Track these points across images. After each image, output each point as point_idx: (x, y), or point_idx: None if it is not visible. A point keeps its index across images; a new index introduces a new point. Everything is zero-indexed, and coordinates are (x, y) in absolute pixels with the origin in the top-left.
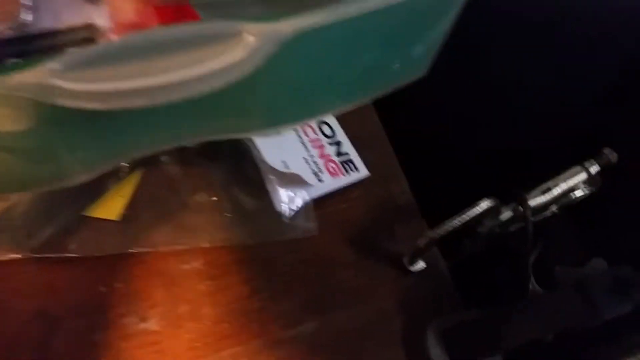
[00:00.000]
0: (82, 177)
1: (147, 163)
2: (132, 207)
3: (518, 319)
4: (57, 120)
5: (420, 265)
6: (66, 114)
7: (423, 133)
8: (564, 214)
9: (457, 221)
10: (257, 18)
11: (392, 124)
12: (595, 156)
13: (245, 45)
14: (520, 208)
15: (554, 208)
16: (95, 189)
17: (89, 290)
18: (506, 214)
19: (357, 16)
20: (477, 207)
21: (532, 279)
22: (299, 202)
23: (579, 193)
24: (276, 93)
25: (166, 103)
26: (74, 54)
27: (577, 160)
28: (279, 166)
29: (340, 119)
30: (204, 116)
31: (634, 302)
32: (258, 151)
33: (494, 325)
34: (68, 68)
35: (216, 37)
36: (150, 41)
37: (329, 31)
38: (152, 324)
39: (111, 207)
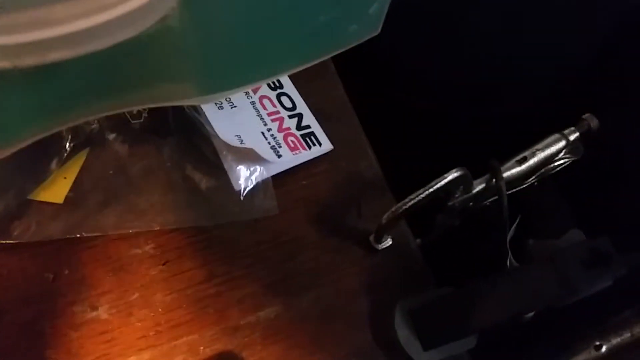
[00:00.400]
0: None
1: (93, 142)
2: (78, 190)
3: (489, 296)
4: None
5: (388, 242)
6: None
7: (392, 103)
8: (544, 184)
9: (423, 193)
10: None
11: (359, 95)
12: (575, 123)
13: None
14: (494, 180)
15: (533, 179)
16: (38, 171)
17: (35, 278)
18: (479, 187)
19: None
20: (445, 178)
21: (510, 255)
22: (256, 180)
23: (559, 162)
24: (205, 47)
25: (62, 60)
26: None
27: (556, 128)
28: (233, 141)
29: (303, 90)
30: (122, 75)
31: (613, 277)
32: (210, 126)
33: (464, 303)
34: None
35: None
36: None
37: None
38: (102, 312)
39: (55, 189)
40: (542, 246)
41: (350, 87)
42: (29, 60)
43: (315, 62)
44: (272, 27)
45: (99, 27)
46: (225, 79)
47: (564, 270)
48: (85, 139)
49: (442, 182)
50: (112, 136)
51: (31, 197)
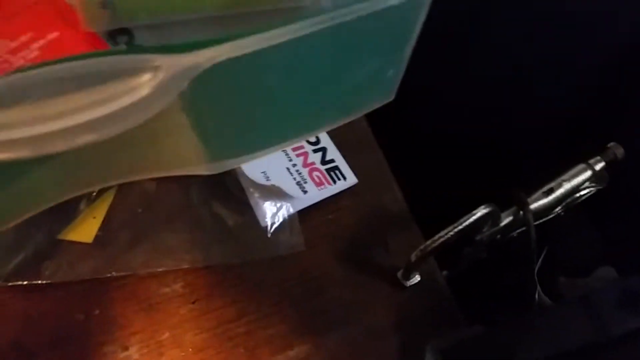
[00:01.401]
0: None
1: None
2: (107, 229)
3: (522, 337)
4: None
5: (416, 278)
6: None
7: (415, 136)
8: (570, 215)
9: (452, 231)
10: (177, 46)
11: (382, 128)
12: (600, 152)
13: (149, 82)
14: (521, 212)
15: (559, 209)
16: (67, 211)
17: (66, 319)
18: (506, 220)
19: (286, 42)
20: (473, 215)
21: (539, 289)
22: (282, 216)
23: (584, 191)
24: (207, 125)
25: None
26: None
27: (581, 157)
28: (259, 178)
29: None
30: (128, 155)
31: None
32: None
33: (496, 344)
34: None
35: (114, 74)
36: (37, 80)
37: (256, 59)
38: (133, 353)
39: (84, 229)
40: (573, 284)
41: (372, 118)
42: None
43: (329, 128)
44: (283, 108)
45: (96, 121)
46: (229, 151)
47: (596, 311)
48: None
49: (471, 220)
50: None
51: (61, 237)
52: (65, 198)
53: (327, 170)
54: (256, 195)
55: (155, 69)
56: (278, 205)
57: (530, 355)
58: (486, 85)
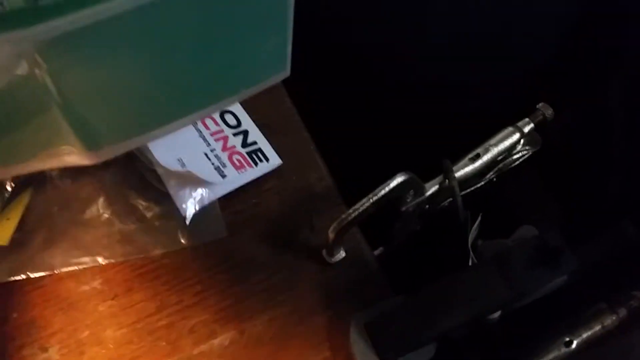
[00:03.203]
0: None
1: (35, 181)
2: (23, 230)
3: (441, 302)
4: None
5: (341, 255)
6: None
7: (342, 113)
8: (503, 179)
9: (367, 202)
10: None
11: (307, 107)
12: (529, 114)
13: None
14: (447, 180)
15: (491, 174)
16: None
17: None
18: (432, 189)
19: (132, 10)
20: (389, 185)
21: (472, 257)
22: (202, 203)
23: (517, 155)
24: (74, 107)
25: None
26: None
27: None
28: (174, 166)
29: (248, 106)
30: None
31: (565, 272)
32: (149, 152)
33: (417, 311)
34: None
35: None
36: None
37: (101, 31)
38: (52, 354)
39: None
40: (490, 245)
41: (296, 97)
42: None
43: (220, 107)
44: (154, 84)
45: None
46: (110, 137)
47: (509, 271)
48: (26, 178)
49: (386, 189)
50: (53, 173)
51: None
52: None
53: (248, 153)
54: (172, 183)
55: None
56: (196, 192)
57: (449, 317)
58: (414, 55)
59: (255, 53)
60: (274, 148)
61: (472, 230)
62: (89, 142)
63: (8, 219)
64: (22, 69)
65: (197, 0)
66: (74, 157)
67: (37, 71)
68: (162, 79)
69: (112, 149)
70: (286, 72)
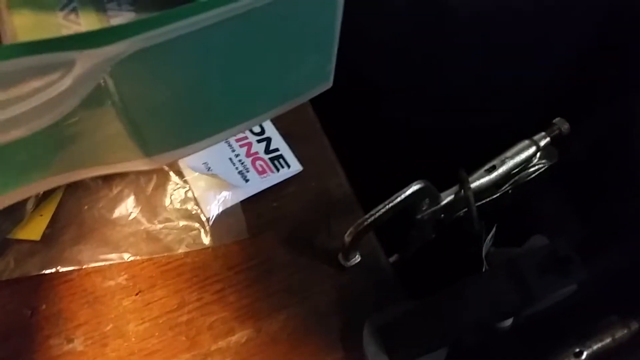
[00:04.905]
0: None
1: None
2: (54, 226)
3: (451, 308)
4: None
5: (356, 259)
6: None
7: (362, 119)
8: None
9: (383, 208)
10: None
11: (328, 113)
12: (546, 128)
13: (65, 77)
14: (462, 190)
15: (507, 186)
16: (15, 212)
17: (14, 314)
18: (447, 198)
19: (198, 30)
20: (405, 192)
21: (486, 266)
22: (225, 205)
23: (534, 168)
24: (135, 116)
25: None
26: None
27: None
28: (201, 169)
29: None
30: (64, 152)
31: (574, 281)
32: None
33: (428, 316)
34: None
35: (32, 72)
36: None
37: (172, 47)
38: (77, 345)
39: (32, 227)
40: (501, 253)
41: (318, 105)
42: None
43: (266, 118)
44: (211, 96)
45: (15, 118)
46: (167, 145)
47: (520, 277)
48: None
49: (402, 196)
50: None
51: (10, 236)
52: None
53: (271, 159)
54: (198, 185)
55: (71, 63)
56: (220, 195)
57: (460, 322)
58: (433, 71)
59: (304, 67)
60: (295, 155)
61: (486, 240)
62: (149, 151)
63: (41, 215)
64: (95, 85)
65: (257, 22)
66: (133, 163)
67: (107, 87)
68: (217, 92)
69: (170, 156)
70: (329, 84)
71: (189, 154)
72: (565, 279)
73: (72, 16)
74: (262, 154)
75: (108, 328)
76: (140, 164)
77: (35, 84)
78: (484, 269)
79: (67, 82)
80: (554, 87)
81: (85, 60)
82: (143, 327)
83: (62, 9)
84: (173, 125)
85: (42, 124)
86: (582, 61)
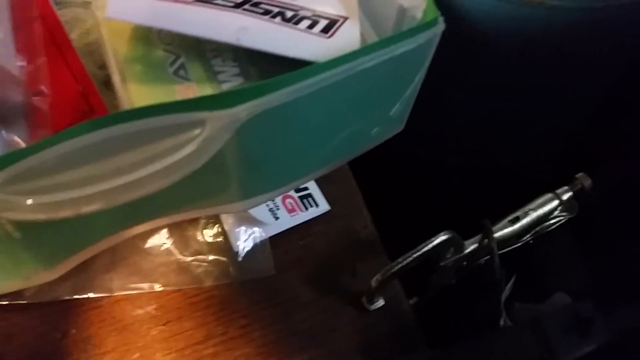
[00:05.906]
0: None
1: None
2: None
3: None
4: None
5: (379, 303)
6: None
7: (388, 166)
8: (539, 242)
9: (411, 257)
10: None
11: (357, 158)
12: (569, 182)
13: (197, 137)
14: (486, 240)
15: (528, 237)
16: None
17: (44, 337)
18: (471, 247)
19: (315, 91)
20: (432, 242)
21: (505, 316)
22: (254, 241)
23: (554, 220)
24: (243, 169)
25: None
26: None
27: (550, 187)
28: None
29: None
30: (165, 202)
31: (595, 342)
32: None
33: None
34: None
35: (164, 131)
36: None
37: (290, 107)
38: None
39: None
40: (525, 309)
41: None
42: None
43: (343, 163)
44: (311, 146)
45: (145, 178)
46: (259, 190)
47: (544, 336)
48: None
49: (430, 246)
50: None
51: None
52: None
53: (300, 197)
54: (230, 221)
55: (202, 123)
56: (250, 230)
57: None
58: (460, 117)
59: (390, 116)
60: (323, 195)
61: (505, 288)
62: (247, 196)
63: None
64: (222, 145)
65: (365, 79)
66: (226, 207)
67: (229, 146)
68: (318, 142)
69: (260, 199)
70: (401, 127)
71: (275, 197)
72: (587, 340)
73: (182, 72)
74: (292, 192)
75: (135, 356)
76: (231, 208)
77: (165, 145)
78: (502, 320)
79: (197, 142)
80: (574, 134)
81: (215, 121)
82: (170, 358)
83: (170, 65)
84: (273, 173)
85: (165, 184)
86: (602, 111)
